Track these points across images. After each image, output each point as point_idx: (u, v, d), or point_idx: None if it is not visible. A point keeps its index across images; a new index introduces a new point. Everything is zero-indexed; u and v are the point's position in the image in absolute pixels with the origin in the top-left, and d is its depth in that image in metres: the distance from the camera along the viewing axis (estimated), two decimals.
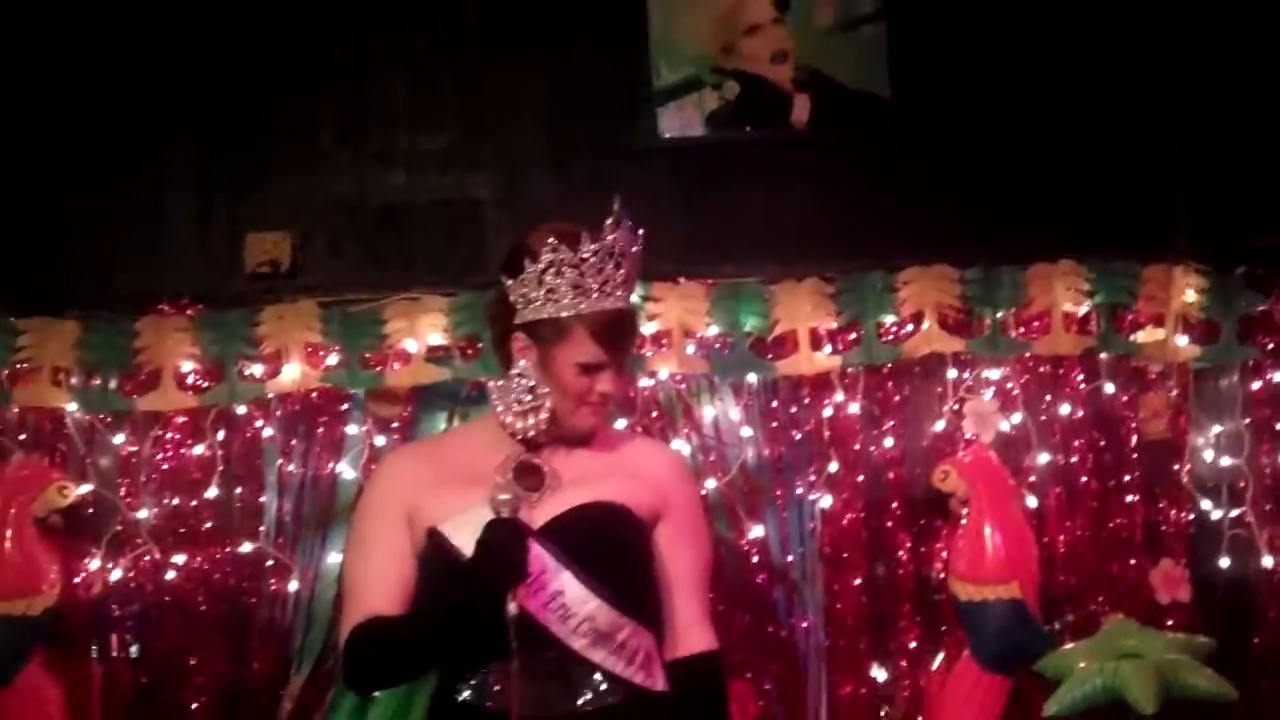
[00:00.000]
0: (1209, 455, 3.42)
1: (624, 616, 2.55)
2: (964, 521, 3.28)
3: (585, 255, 2.38)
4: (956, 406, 3.39)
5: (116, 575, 3.33)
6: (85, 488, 3.34)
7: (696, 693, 2.71)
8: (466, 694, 2.57)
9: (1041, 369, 3.42)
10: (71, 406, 3.37)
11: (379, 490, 2.74)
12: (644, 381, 3.39)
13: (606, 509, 2.59)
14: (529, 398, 2.45)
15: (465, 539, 2.47)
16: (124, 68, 3.59)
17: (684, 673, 2.69)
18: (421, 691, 3.03)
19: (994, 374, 3.41)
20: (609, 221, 2.31)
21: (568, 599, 2.50)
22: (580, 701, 2.55)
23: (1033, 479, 3.37)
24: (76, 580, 3.33)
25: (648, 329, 3.35)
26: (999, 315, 3.40)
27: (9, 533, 3.26)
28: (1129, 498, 3.37)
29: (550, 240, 2.38)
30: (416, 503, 2.63)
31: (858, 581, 3.31)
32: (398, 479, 2.69)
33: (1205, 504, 3.39)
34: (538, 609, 2.50)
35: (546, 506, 2.54)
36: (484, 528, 2.42)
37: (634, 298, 2.48)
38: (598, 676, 2.56)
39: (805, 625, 3.31)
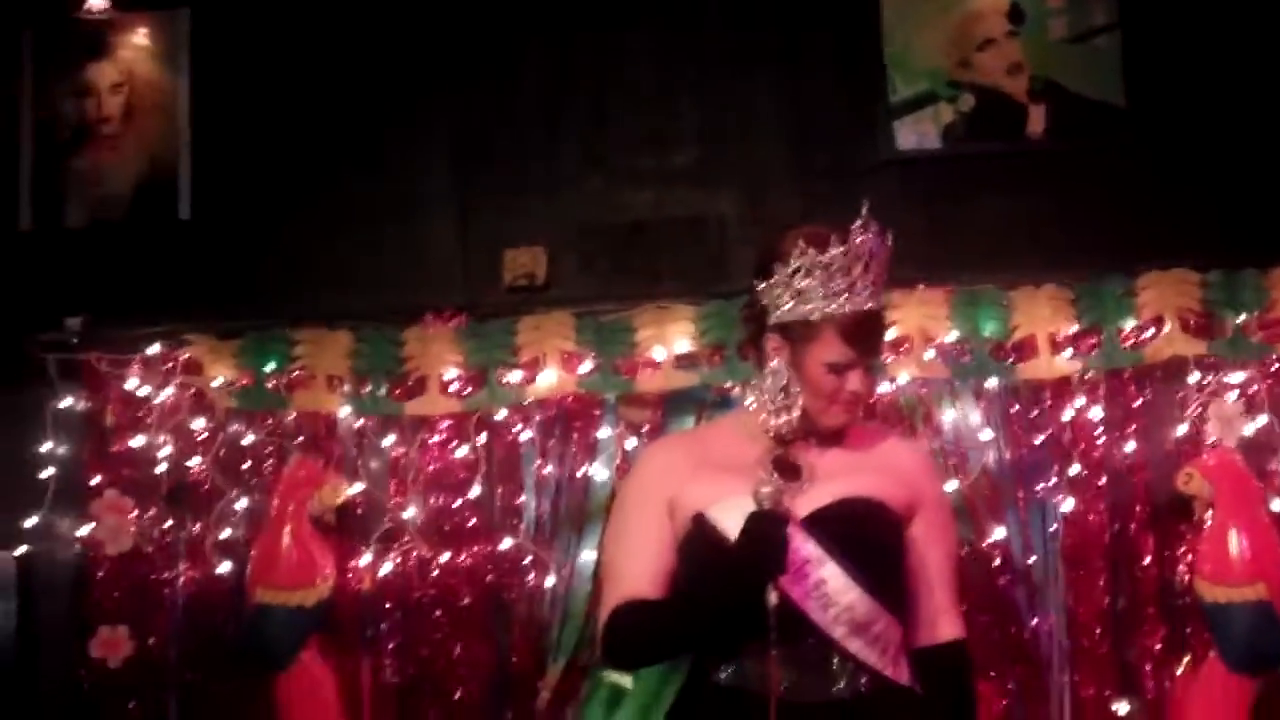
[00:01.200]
0: None
1: (881, 608, 2.66)
2: (1208, 524, 3.31)
3: (834, 257, 2.47)
4: (1199, 410, 3.42)
5: (386, 570, 3.57)
6: (357, 487, 3.60)
7: (947, 678, 2.80)
8: (724, 676, 2.69)
9: None
10: (344, 411, 3.63)
11: (641, 478, 2.88)
12: (884, 386, 3.50)
13: (865, 503, 2.69)
14: (782, 396, 2.56)
15: (731, 524, 2.59)
16: (388, 92, 3.87)
17: (934, 659, 2.78)
18: (674, 679, 3.17)
19: (1237, 377, 3.42)
20: (857, 224, 2.42)
21: (830, 589, 2.61)
22: (835, 689, 2.66)
23: (1278, 482, 3.37)
24: (348, 575, 3.59)
25: (888, 335, 3.44)
26: (1241, 318, 3.42)
27: (288, 529, 3.54)
28: None
29: (800, 243, 2.48)
30: (678, 491, 2.77)
31: (1101, 583, 3.36)
32: (660, 468, 2.83)
33: None
34: (800, 597, 2.61)
35: (807, 499, 2.65)
36: (747, 518, 2.54)
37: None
38: (852, 666, 2.66)
39: (1047, 627, 3.36)
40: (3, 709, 3.64)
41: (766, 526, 2.54)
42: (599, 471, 3.55)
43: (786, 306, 2.56)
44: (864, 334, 2.53)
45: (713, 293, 3.56)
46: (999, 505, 3.43)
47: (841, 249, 2.52)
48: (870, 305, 2.55)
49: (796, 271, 2.53)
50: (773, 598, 2.52)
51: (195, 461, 3.65)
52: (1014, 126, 3.75)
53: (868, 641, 2.65)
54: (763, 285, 2.59)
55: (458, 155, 3.87)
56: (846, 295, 2.53)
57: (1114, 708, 3.34)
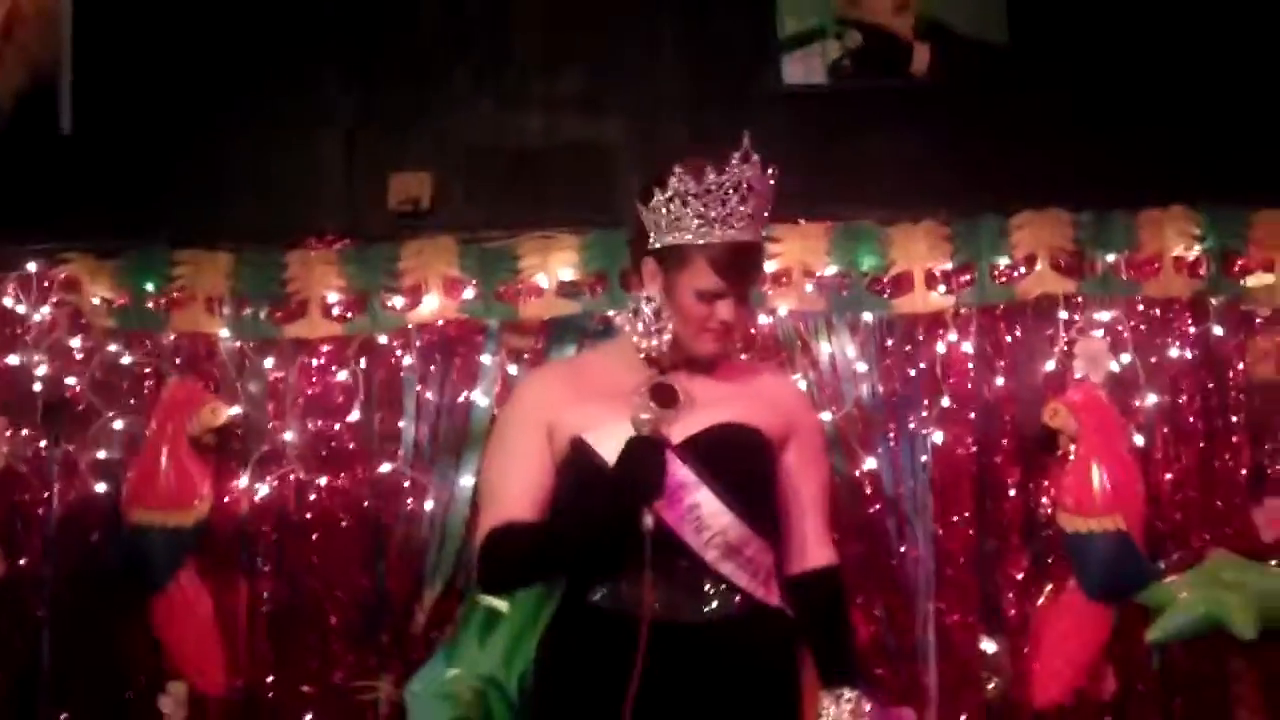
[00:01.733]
0: None
1: (753, 532, 2.73)
2: (1072, 457, 3.42)
3: (709, 186, 2.51)
4: (1067, 347, 3.52)
5: (263, 493, 3.58)
6: (235, 409, 3.60)
7: (820, 603, 2.89)
8: (598, 598, 2.76)
9: (1152, 311, 3.54)
10: (224, 333, 3.62)
11: (522, 403, 2.93)
12: (763, 319, 3.57)
13: (740, 429, 2.76)
14: (655, 320, 2.62)
15: (609, 449, 2.65)
16: (279, 11, 3.84)
17: (809, 584, 2.87)
18: (549, 603, 3.23)
19: (1104, 316, 3.53)
20: (736, 156, 2.47)
21: (704, 512, 2.68)
22: (706, 610, 2.74)
23: (1141, 419, 3.50)
24: (226, 498, 3.59)
25: (768, 267, 3.51)
26: (1110, 258, 3.52)
27: (165, 449, 3.53)
28: (1235, 438, 3.49)
29: (677, 170, 2.53)
30: (557, 416, 2.82)
31: (967, 514, 3.46)
32: (540, 393, 2.89)
33: None
34: (674, 521, 2.68)
35: (682, 425, 2.72)
36: (626, 443, 2.60)
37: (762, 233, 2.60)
38: (724, 588, 2.74)
39: (915, 555, 3.46)
40: None
41: (644, 451, 2.60)
42: (480, 398, 3.58)
43: (663, 233, 2.61)
44: (736, 264, 2.59)
45: (598, 222, 3.59)
46: (871, 437, 3.51)
47: (716, 179, 2.57)
48: (745, 237, 2.60)
49: (672, 199, 2.58)
50: (648, 521, 2.59)
51: (72, 381, 3.62)
52: (899, 64, 3.82)
53: (740, 564, 2.72)
54: (643, 211, 2.64)
55: (347, 76, 3.85)
56: (720, 225, 2.58)
57: (981, 645, 3.46)
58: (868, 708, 2.84)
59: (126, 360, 3.63)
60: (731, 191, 2.52)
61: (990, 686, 3.50)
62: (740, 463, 2.76)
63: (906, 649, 3.40)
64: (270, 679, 3.54)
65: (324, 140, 3.84)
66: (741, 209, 2.53)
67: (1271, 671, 3.29)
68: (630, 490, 2.60)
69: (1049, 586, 3.45)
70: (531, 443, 2.86)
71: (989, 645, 3.49)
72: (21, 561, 3.56)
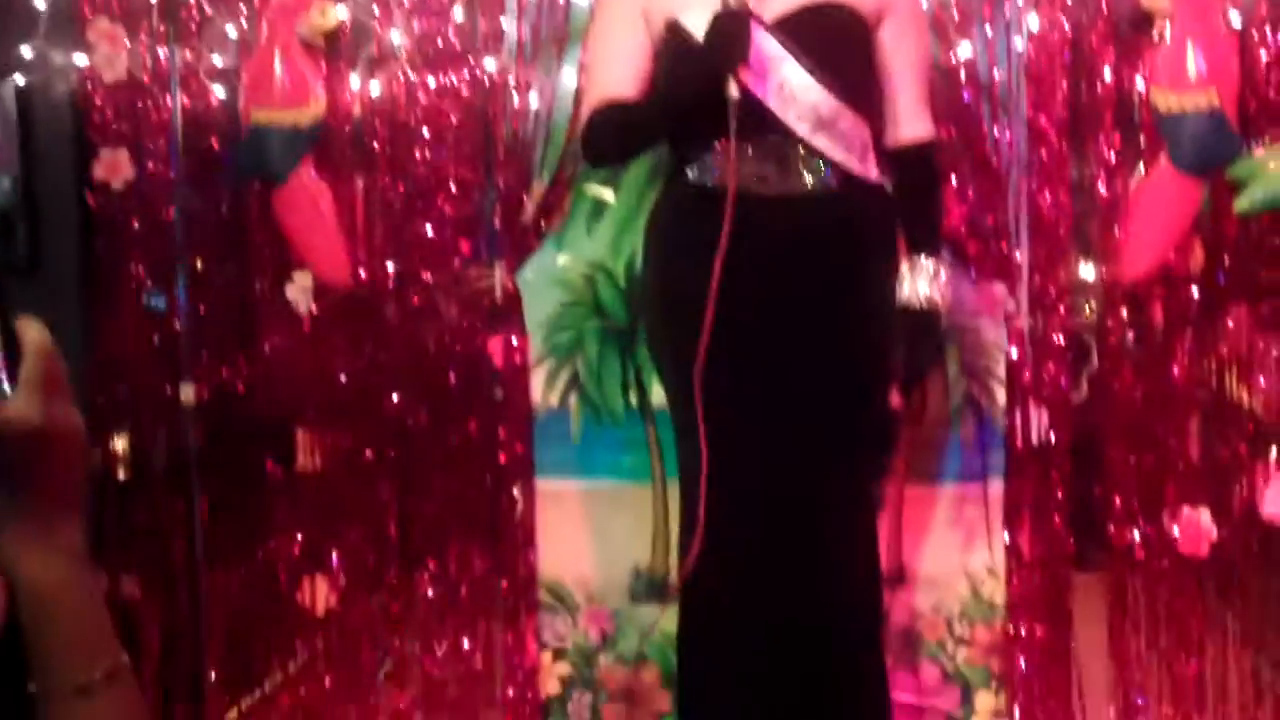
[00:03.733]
0: None
1: (844, 106, 2.89)
2: (1167, 37, 3.48)
3: None
4: None
5: (374, 93, 3.77)
6: (343, 10, 3.75)
7: (913, 174, 3.09)
8: (692, 173, 2.97)
9: None
10: None
11: None
12: None
13: (832, 7, 2.90)
14: None
15: (700, 26, 2.81)
16: None
17: (902, 156, 3.06)
18: (651, 191, 3.45)
19: None
20: None
21: (793, 86, 2.86)
22: (802, 182, 2.94)
23: None
24: (339, 98, 3.79)
25: None
26: None
27: (278, 50, 3.71)
28: None
29: None
30: (652, 1, 2.98)
31: (1060, 96, 3.57)
32: None
33: None
34: (763, 95, 2.86)
35: (776, 2, 2.86)
36: (712, 16, 2.76)
37: None
38: (819, 162, 2.93)
39: (1008, 138, 3.58)
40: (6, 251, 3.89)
41: (729, 22, 2.78)
42: None
43: None
44: None
45: None
46: (966, 23, 3.57)
47: None
48: None
49: None
50: (733, 90, 2.77)
51: None
52: None
53: (833, 138, 2.91)
54: None
55: None
56: None
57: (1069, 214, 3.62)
58: (945, 276, 3.06)
59: None
60: None
61: (1087, 312, 3.70)
62: (831, 39, 2.92)
63: (999, 228, 3.57)
64: (390, 268, 3.80)
65: None
66: None
67: None
68: (714, 58, 2.77)
69: (1141, 166, 3.58)
70: (629, 26, 3.04)
71: (1088, 271, 3.67)
72: (149, 165, 3.80)
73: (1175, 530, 3.59)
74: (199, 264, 3.86)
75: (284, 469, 3.91)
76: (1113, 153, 3.56)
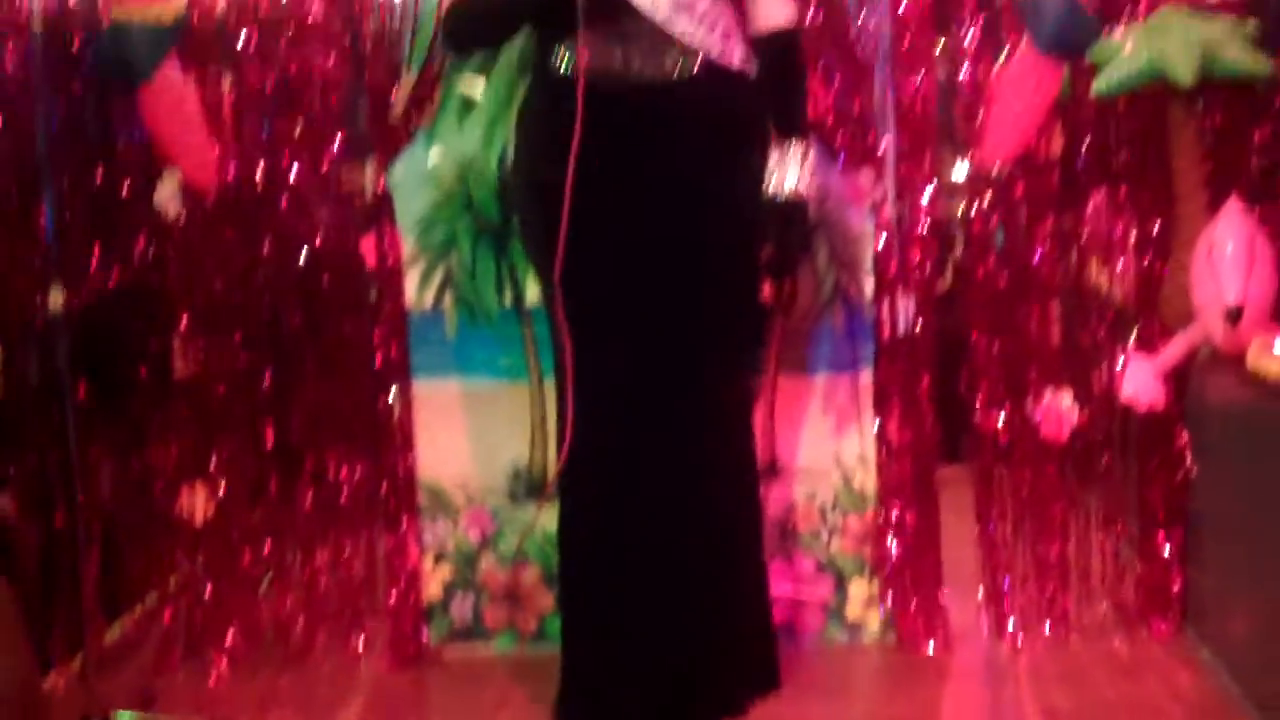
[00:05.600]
0: None
1: None
2: None
3: None
4: None
5: None
6: None
7: (778, 61, 3.15)
8: (555, 62, 3.03)
9: None
10: None
11: None
12: None
13: None
14: None
15: None
16: None
17: (766, 43, 3.12)
18: (519, 89, 3.49)
19: None
20: None
21: None
22: (664, 69, 3.00)
23: None
24: None
25: None
26: None
27: None
28: None
29: None
30: None
31: None
32: None
33: None
34: None
35: None
36: None
37: None
38: (678, 47, 2.99)
39: (873, 24, 3.67)
40: None
41: None
42: None
43: None
44: None
45: None
46: None
47: None
48: None
49: None
50: None
51: None
52: None
53: (694, 20, 2.96)
54: None
55: None
56: None
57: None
58: (812, 161, 3.14)
59: None
60: None
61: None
62: None
63: (865, 117, 3.67)
64: (260, 166, 3.83)
65: None
66: None
67: (1210, 122, 3.55)
68: None
69: (1004, 52, 3.68)
70: None
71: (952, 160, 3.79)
72: (7, 69, 3.77)
73: (1037, 416, 3.73)
74: (64, 168, 3.86)
75: (158, 378, 3.94)
76: (975, 39, 3.67)
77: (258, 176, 3.83)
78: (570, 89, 2.93)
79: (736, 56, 3.07)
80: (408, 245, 3.80)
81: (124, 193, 3.89)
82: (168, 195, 3.81)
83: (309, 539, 3.98)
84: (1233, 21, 3.44)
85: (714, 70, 3.03)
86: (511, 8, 3.04)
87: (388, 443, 3.91)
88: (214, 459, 3.92)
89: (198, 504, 3.92)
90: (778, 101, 3.17)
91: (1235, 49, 3.36)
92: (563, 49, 3.01)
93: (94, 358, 3.93)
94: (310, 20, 3.76)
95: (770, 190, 3.13)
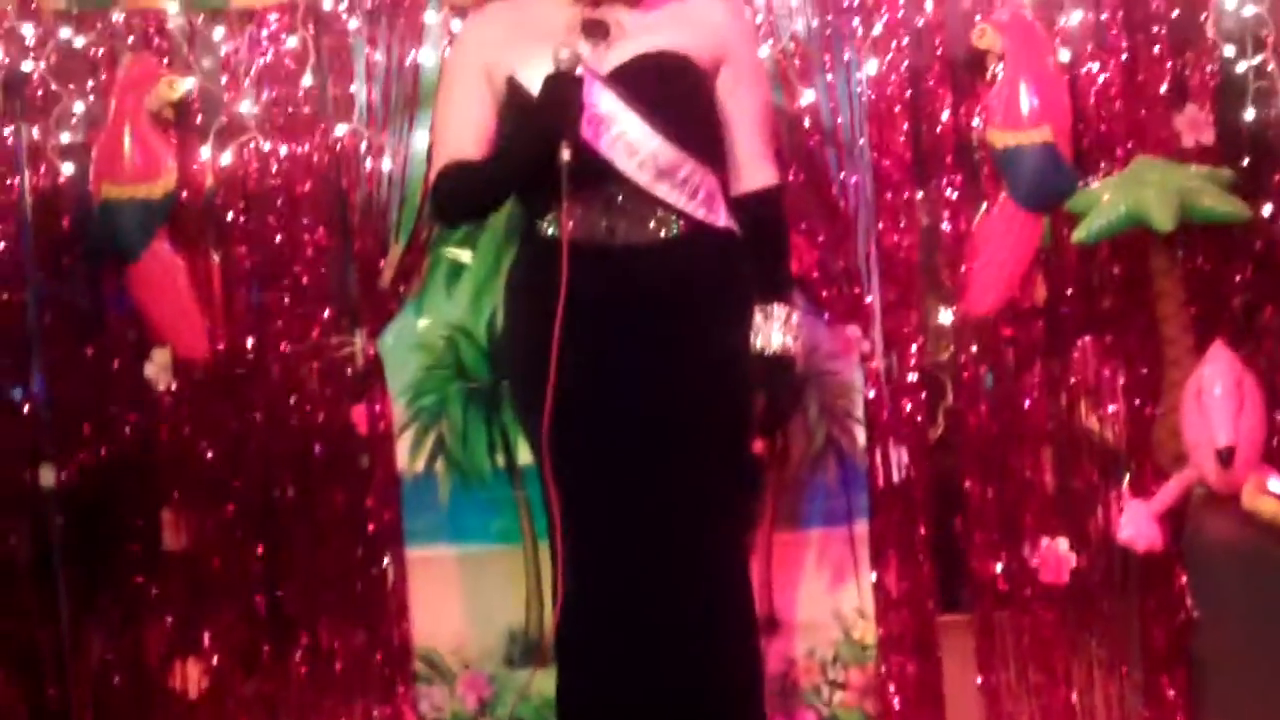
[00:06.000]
0: (1233, 4, 3.75)
1: (686, 155, 3.01)
2: (1000, 75, 3.69)
3: None
4: None
5: (226, 163, 3.85)
6: (191, 81, 3.84)
7: (761, 220, 3.20)
8: (549, 228, 3.07)
9: None
10: (172, 8, 3.83)
11: (462, 48, 3.20)
12: None
13: (669, 56, 3.03)
14: None
15: (537, 84, 2.93)
16: None
17: (747, 205, 3.18)
18: (509, 250, 3.54)
19: None
20: None
21: (630, 139, 2.97)
22: (650, 232, 3.04)
23: (1065, 36, 3.75)
24: (191, 170, 3.85)
25: None
26: None
27: (127, 125, 3.78)
28: (1157, 49, 3.74)
29: None
30: (496, 57, 3.09)
31: (902, 139, 3.75)
32: (478, 36, 3.16)
33: (1229, 51, 3.75)
34: (604, 148, 2.97)
35: (614, 55, 2.98)
36: (544, 79, 2.88)
37: None
38: (662, 211, 3.04)
39: (854, 181, 3.74)
40: None
41: (560, 87, 2.88)
42: (427, 56, 3.79)
43: None
44: None
45: None
46: (808, 70, 3.74)
47: None
48: None
49: None
50: (565, 154, 2.88)
51: (28, 67, 3.84)
52: None
53: (675, 186, 3.01)
54: None
55: None
56: None
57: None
58: (798, 322, 3.18)
59: (80, 42, 3.85)
60: None
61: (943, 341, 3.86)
62: (669, 89, 3.03)
63: (850, 270, 3.73)
64: (250, 340, 3.86)
65: None
66: None
67: (1191, 266, 3.63)
68: (548, 120, 2.88)
69: (984, 204, 3.76)
70: (472, 86, 3.14)
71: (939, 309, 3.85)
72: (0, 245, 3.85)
73: (1035, 561, 3.74)
74: (55, 345, 3.91)
75: (150, 551, 3.93)
76: (955, 191, 3.75)
77: (248, 347, 3.86)
78: (556, 254, 2.96)
79: (720, 218, 3.11)
80: (399, 412, 3.83)
81: (115, 366, 3.90)
82: (159, 369, 3.84)
83: (304, 710, 3.93)
84: (1208, 170, 3.54)
85: (698, 232, 3.07)
86: (498, 182, 3.09)
87: (382, 610, 3.89)
88: (207, 631, 3.90)
89: (191, 677, 3.89)
90: (762, 261, 3.21)
91: (1211, 196, 3.45)
92: (549, 215, 3.05)
93: (85, 531, 3.92)
94: (299, 192, 3.82)
95: (758, 347, 3.16)
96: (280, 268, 3.84)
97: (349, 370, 3.86)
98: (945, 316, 3.82)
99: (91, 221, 3.83)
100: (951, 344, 3.83)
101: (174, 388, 3.86)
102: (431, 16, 3.80)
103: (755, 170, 3.18)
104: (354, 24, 3.82)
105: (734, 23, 3.17)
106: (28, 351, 3.91)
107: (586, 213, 2.98)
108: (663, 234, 3.03)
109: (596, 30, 2.97)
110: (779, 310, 3.17)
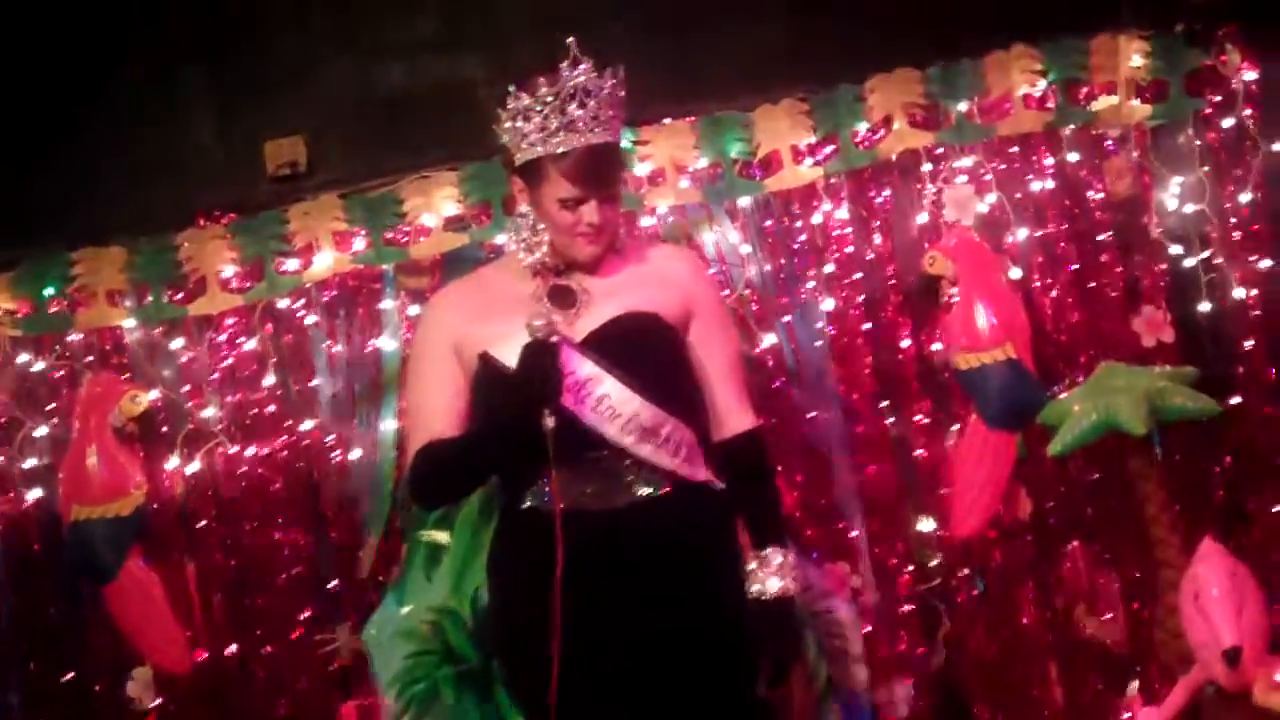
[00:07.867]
0: (1174, 205, 3.94)
1: (665, 413, 3.06)
2: (955, 299, 3.82)
3: (545, 98, 2.80)
4: (935, 196, 3.92)
5: (194, 470, 3.92)
6: (153, 394, 3.93)
7: (743, 466, 3.24)
8: (530, 500, 3.10)
9: (1009, 150, 3.94)
10: (129, 323, 3.95)
11: (428, 329, 3.27)
12: (646, 220, 3.95)
13: (639, 317, 3.10)
14: (530, 234, 2.97)
15: (512, 357, 2.99)
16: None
17: (730, 451, 3.22)
18: (487, 528, 3.57)
19: (966, 161, 3.93)
20: (564, 63, 2.76)
21: (612, 402, 3.01)
22: (635, 493, 3.07)
23: (1014, 252, 3.91)
24: (160, 481, 3.92)
25: (641, 169, 3.89)
26: (962, 106, 3.90)
27: (93, 445, 3.86)
28: (1105, 256, 3.91)
29: (512, 90, 2.83)
30: (463, 334, 3.15)
31: (867, 371, 3.87)
32: (444, 316, 3.22)
33: (1176, 249, 3.92)
34: (586, 414, 3.01)
35: (585, 321, 3.06)
36: (521, 350, 2.95)
37: (620, 134, 2.91)
38: (644, 471, 3.08)
39: (825, 419, 3.85)
40: None
41: (538, 356, 2.94)
42: (387, 343, 3.92)
43: (519, 150, 2.91)
44: (589, 168, 2.86)
45: (472, 155, 3.90)
46: (766, 314, 3.88)
47: (550, 89, 2.82)
48: (596, 139, 2.85)
49: (515, 116, 2.86)
50: (549, 422, 2.92)
51: None
52: None
53: (658, 445, 3.05)
54: (500, 134, 2.96)
55: (204, 53, 4.15)
56: (565, 132, 2.85)
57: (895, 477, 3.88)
58: (793, 565, 3.19)
59: (39, 366, 3.96)
60: (569, 99, 2.80)
61: (932, 564, 3.93)
62: (643, 349, 3.09)
63: (832, 506, 3.80)
64: (232, 648, 3.88)
65: (193, 118, 4.15)
66: (582, 114, 2.81)
67: (1170, 464, 3.72)
68: (528, 391, 2.94)
69: (955, 426, 3.86)
70: (442, 365, 3.19)
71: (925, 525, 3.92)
72: None
73: None
74: (32, 668, 3.91)
75: None
76: (925, 417, 3.86)
77: (228, 654, 3.88)
78: (541, 527, 2.98)
79: (700, 472, 3.15)
80: (390, 703, 3.81)
81: (96, 688, 3.90)
82: (141, 688, 3.85)
83: None
84: (1172, 370, 3.66)
85: (682, 488, 3.11)
86: (478, 459, 3.13)
87: None
88: None
89: None
90: (749, 505, 3.24)
91: (1180, 394, 3.56)
92: (530, 489, 3.10)
93: None
94: (270, 492, 3.89)
95: (754, 594, 3.18)
96: (257, 570, 3.88)
97: (335, 666, 3.87)
98: (931, 542, 3.88)
99: (66, 543, 3.87)
100: (941, 564, 3.88)
101: (159, 704, 3.86)
102: (387, 303, 3.95)
103: (734, 416, 3.22)
104: (311, 319, 3.96)
105: (697, 276, 3.26)
106: (3, 672, 3.92)
107: (569, 479, 3.03)
108: (646, 493, 3.06)
109: (565, 298, 3.04)
110: (774, 554, 3.18)
